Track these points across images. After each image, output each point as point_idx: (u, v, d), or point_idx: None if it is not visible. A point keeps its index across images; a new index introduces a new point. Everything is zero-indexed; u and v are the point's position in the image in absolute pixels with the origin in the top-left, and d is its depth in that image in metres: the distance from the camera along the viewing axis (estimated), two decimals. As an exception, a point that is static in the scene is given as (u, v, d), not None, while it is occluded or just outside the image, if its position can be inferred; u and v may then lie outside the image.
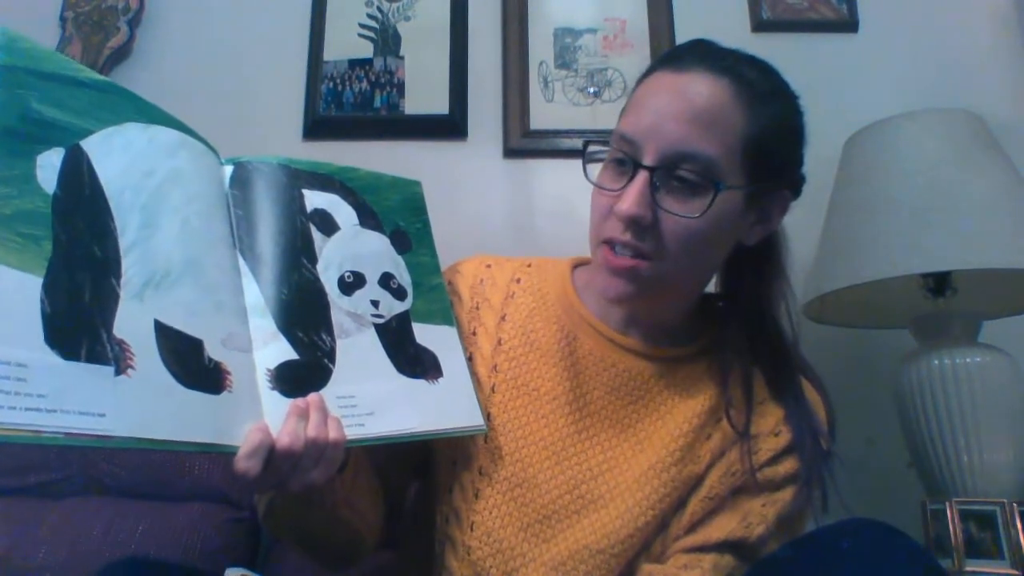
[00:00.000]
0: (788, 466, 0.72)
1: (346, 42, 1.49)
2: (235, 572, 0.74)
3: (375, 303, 0.68)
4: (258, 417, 0.56)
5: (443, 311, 0.74)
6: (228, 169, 0.66)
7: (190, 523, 1.06)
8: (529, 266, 0.83)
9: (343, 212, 0.70)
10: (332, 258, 0.67)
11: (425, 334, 0.71)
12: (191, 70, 1.48)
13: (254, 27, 1.51)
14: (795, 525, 0.73)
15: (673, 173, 0.66)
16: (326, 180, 0.71)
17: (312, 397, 0.59)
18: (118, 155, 0.56)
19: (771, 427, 0.73)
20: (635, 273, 0.68)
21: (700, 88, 0.66)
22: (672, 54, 0.73)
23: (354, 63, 1.48)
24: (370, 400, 0.63)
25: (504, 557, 0.70)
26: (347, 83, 1.46)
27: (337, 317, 0.65)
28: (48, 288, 0.47)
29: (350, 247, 0.69)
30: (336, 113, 1.45)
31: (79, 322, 0.48)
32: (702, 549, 0.70)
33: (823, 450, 0.72)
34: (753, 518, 0.71)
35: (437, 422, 0.67)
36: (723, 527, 0.71)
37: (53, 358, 0.45)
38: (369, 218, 0.72)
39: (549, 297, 0.80)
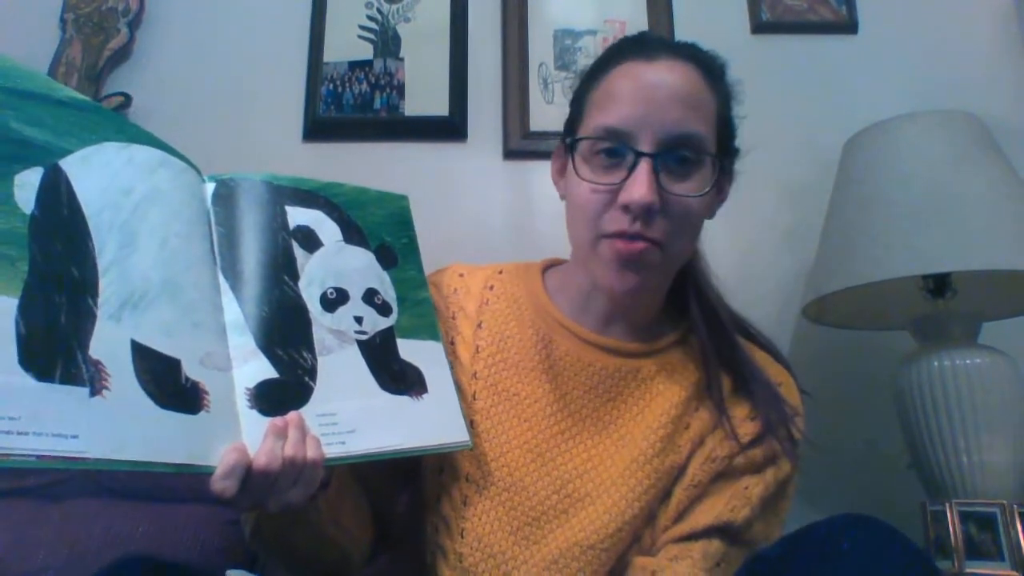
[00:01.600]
0: (767, 447, 0.74)
1: (346, 44, 1.49)
2: (235, 574, 0.74)
3: (358, 319, 0.67)
4: (236, 436, 0.55)
5: (429, 326, 0.74)
6: (210, 186, 0.66)
7: (190, 524, 1.06)
8: (501, 272, 0.84)
9: (327, 228, 0.70)
10: (315, 275, 0.66)
11: (410, 349, 0.70)
12: (191, 72, 1.48)
13: (254, 29, 1.51)
14: (778, 505, 0.75)
15: (673, 156, 0.68)
16: (310, 196, 0.70)
17: (291, 416, 0.58)
18: (97, 174, 0.55)
19: (747, 412, 0.75)
20: (646, 259, 0.69)
21: (677, 74, 0.69)
22: (635, 45, 0.74)
23: (354, 65, 1.48)
24: (352, 418, 0.62)
25: (496, 562, 0.70)
26: (347, 85, 1.46)
27: (319, 334, 0.64)
28: (23, 309, 0.47)
29: (333, 263, 0.68)
30: (336, 115, 1.45)
31: (54, 343, 0.47)
32: (690, 538, 0.71)
33: (786, 414, 0.74)
34: (737, 501, 0.72)
35: (421, 438, 0.66)
36: (709, 512, 0.72)
37: (26, 380, 0.45)
38: (354, 234, 0.72)
39: (522, 302, 0.81)
